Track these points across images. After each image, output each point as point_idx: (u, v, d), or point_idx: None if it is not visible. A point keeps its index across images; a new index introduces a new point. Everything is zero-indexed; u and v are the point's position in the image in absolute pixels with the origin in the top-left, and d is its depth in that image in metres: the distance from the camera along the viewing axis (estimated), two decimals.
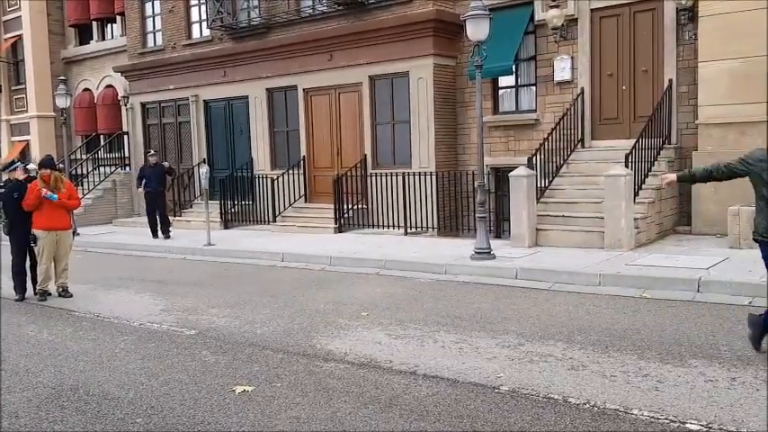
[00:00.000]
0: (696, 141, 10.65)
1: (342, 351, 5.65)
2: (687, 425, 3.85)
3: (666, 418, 3.95)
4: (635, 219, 9.64)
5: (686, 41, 10.95)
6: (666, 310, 6.61)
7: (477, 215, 9.81)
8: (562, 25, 12.03)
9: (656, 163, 10.59)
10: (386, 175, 13.37)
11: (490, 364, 5.14)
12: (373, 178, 13.73)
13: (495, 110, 13.44)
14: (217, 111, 17.31)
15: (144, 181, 14.40)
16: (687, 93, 11.02)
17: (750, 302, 6.65)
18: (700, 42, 10.44)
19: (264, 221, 15.20)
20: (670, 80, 11.11)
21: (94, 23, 21.46)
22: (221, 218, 15.52)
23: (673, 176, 5.63)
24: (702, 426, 3.82)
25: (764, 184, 4.88)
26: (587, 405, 4.22)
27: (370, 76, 14.04)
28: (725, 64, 10.06)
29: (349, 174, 13.86)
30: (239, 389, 4.80)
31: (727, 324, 5.97)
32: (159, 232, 14.24)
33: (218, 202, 15.60)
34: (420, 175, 12.89)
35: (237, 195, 15.89)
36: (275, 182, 15.00)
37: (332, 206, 13.77)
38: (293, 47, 15.05)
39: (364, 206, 13.91)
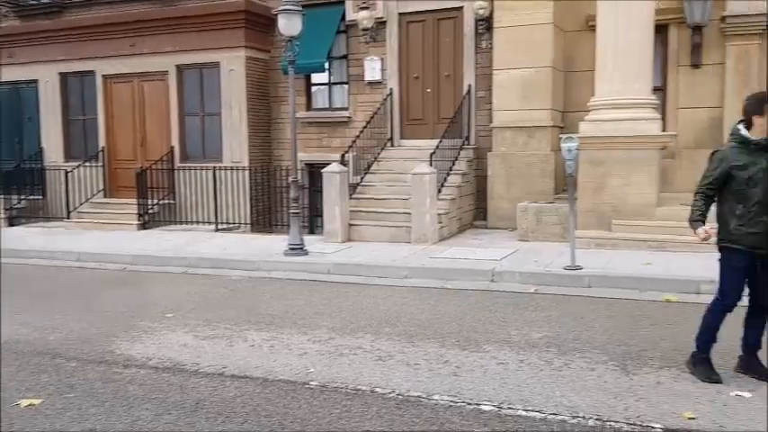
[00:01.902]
0: (491, 143, 11.53)
1: (144, 356, 5.33)
2: (481, 406, 4.14)
3: (463, 401, 4.22)
4: (438, 214, 10.21)
5: (483, 49, 11.81)
6: (465, 299, 7.08)
7: (290, 211, 9.78)
8: (372, 27, 12.39)
9: (456, 162, 11.31)
10: (195, 170, 12.87)
11: (301, 360, 5.15)
12: (181, 172, 13.15)
13: (309, 106, 13.50)
14: (1, 95, 15.48)
15: None
16: (484, 97, 11.88)
17: (536, 290, 7.34)
18: (494, 51, 11.30)
19: (58, 217, 13.90)
20: (469, 85, 11.92)
21: None
22: (4, 214, 13.95)
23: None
24: (495, 406, 4.14)
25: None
26: (393, 394, 4.38)
27: (177, 66, 13.41)
28: (515, 72, 11.00)
29: (154, 167, 13.12)
30: (24, 402, 4.34)
31: (516, 310, 6.53)
32: None
33: (1, 196, 14.01)
34: (232, 170, 12.58)
35: (25, 189, 14.37)
36: (69, 174, 13.78)
37: (135, 201, 12.94)
38: (91, 29, 13.91)
39: (172, 201, 13.28)
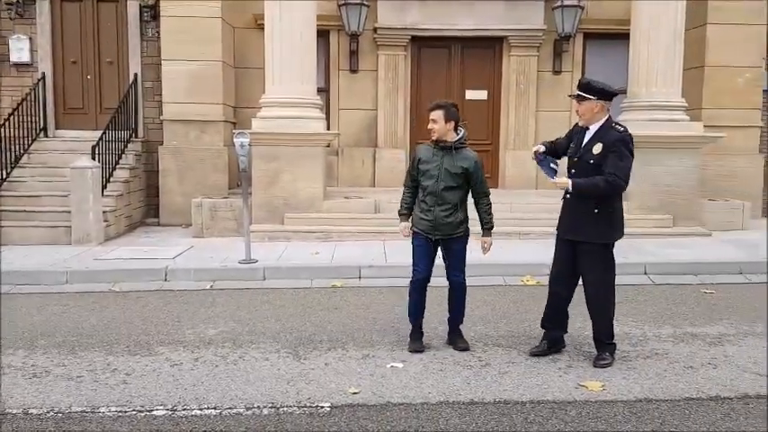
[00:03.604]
0: (162, 136, 11.06)
1: None
2: (154, 412, 3.95)
3: (134, 410, 3.97)
4: (104, 212, 9.45)
5: (150, 38, 11.25)
6: (136, 301, 6.68)
7: None
8: (18, 1, 10.91)
9: (123, 156, 10.60)
10: None
11: None
12: None
13: None
14: None
15: None
16: (152, 88, 11.34)
17: (212, 286, 7.27)
18: (162, 41, 10.83)
19: None
20: (135, 74, 11.25)
21: None
22: None
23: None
24: (168, 410, 3.98)
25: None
26: (51, 413, 3.93)
27: None
28: (185, 65, 10.70)
29: None
30: None
31: (191, 308, 6.38)
32: None
33: None
34: None
35: None
36: None
37: None
38: None
39: None
